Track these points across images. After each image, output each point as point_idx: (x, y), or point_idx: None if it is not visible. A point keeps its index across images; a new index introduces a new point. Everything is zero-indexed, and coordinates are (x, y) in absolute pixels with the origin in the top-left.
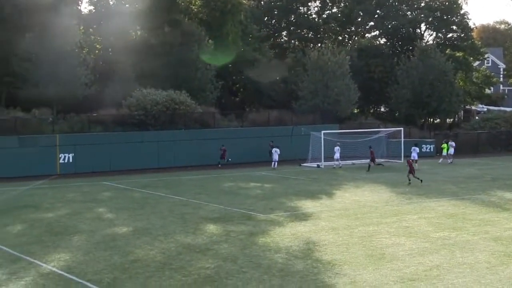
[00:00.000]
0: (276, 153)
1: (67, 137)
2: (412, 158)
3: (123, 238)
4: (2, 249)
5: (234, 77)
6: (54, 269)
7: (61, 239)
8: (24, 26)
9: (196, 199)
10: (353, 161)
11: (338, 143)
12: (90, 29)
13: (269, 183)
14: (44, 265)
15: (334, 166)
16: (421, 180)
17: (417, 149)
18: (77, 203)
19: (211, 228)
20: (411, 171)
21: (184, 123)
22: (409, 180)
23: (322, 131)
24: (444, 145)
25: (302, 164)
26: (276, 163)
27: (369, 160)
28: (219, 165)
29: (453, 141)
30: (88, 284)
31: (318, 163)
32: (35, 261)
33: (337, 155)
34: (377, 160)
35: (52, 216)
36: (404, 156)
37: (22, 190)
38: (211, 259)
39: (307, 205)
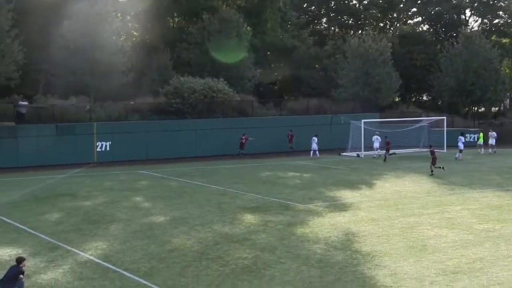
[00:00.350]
0: (314, 142)
1: (104, 125)
2: (459, 148)
3: (160, 227)
4: (40, 237)
5: (272, 65)
6: (91, 257)
7: (98, 228)
8: (61, 13)
9: (234, 188)
10: (395, 151)
11: (377, 133)
12: (128, 16)
13: (308, 173)
14: (81, 253)
15: (374, 155)
16: (443, 168)
17: (463, 139)
18: (114, 191)
19: (249, 218)
20: (433, 161)
21: (222, 111)
22: (432, 171)
23: (362, 120)
24: (481, 134)
25: (341, 154)
26: (316, 152)
27: (385, 151)
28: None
29: (494, 130)
30: (125, 273)
31: (358, 153)
32: (72, 249)
33: (376, 145)
34: (392, 150)
35: (89, 205)
36: (446, 146)
37: (60, 178)
38: (248, 249)
39: (347, 195)
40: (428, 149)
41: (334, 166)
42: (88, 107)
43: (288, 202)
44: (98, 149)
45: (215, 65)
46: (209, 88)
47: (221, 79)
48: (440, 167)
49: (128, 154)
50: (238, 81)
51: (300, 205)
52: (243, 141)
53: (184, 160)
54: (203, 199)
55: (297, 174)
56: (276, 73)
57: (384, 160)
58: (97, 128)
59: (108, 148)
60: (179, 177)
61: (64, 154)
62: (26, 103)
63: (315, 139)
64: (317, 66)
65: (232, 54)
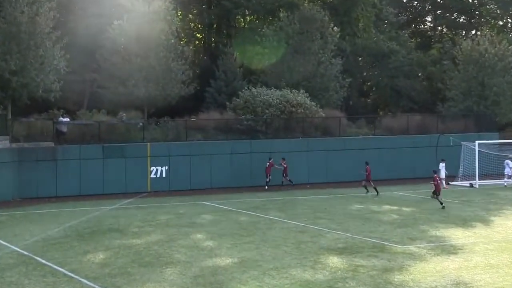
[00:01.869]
0: (443, 168)
1: (160, 146)
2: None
3: (226, 271)
4: (82, 282)
5: (365, 73)
6: None
7: (152, 271)
8: (111, 12)
9: (316, 224)
10: None
11: (511, 156)
12: (190, 15)
13: (408, 206)
14: None
15: (505, 184)
16: (442, 204)
17: None
18: (171, 227)
19: (335, 261)
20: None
21: (302, 130)
22: (441, 203)
23: (477, 142)
24: None
25: (450, 183)
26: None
27: (364, 179)
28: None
29: None
30: None
31: (471, 182)
32: None
33: (507, 171)
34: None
35: (141, 243)
36: None
37: (106, 210)
38: None
39: (457, 235)
40: None
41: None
42: (141, 124)
43: (384, 243)
44: (153, 175)
45: (294, 74)
46: (287, 101)
47: (301, 91)
48: (440, 202)
49: (188, 181)
50: (322, 93)
51: (398, 246)
52: (269, 167)
53: (257, 189)
54: (279, 238)
55: (395, 207)
56: (369, 83)
57: (367, 191)
58: (151, 150)
59: (164, 174)
60: (250, 210)
61: (112, 180)
62: (67, 119)
63: (443, 165)
64: (420, 74)
65: (315, 60)
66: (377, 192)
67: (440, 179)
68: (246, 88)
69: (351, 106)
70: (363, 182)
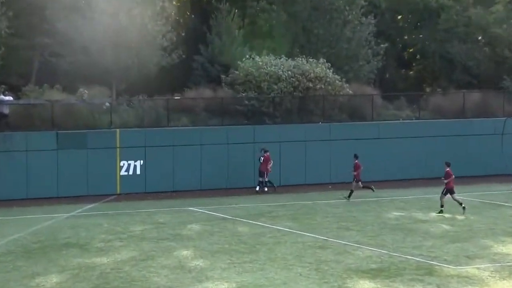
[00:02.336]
0: None
1: (134, 133)
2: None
3: None
4: None
5: (406, 37)
6: None
7: None
8: None
9: (341, 238)
10: None
11: None
12: None
13: (464, 213)
14: None
15: None
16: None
17: None
18: (148, 241)
19: (366, 287)
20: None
21: (323, 112)
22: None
23: None
24: None
25: None
26: None
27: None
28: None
29: None
30: None
31: None
32: None
33: None
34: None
35: (108, 263)
36: None
37: (62, 218)
38: None
39: None
40: None
41: (508, 203)
42: (107, 104)
43: (432, 262)
44: (123, 172)
45: (311, 37)
46: (302, 74)
47: (321, 60)
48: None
49: (170, 180)
50: (349, 64)
51: (451, 267)
52: (263, 164)
53: (262, 191)
54: (291, 256)
55: (446, 215)
56: (411, 50)
57: (349, 196)
58: (121, 139)
59: (138, 171)
60: (252, 218)
61: (69, 179)
62: (10, 98)
63: None
64: (479, 38)
65: (340, 19)
66: (350, 195)
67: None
68: (247, 56)
69: (388, 80)
70: (360, 184)
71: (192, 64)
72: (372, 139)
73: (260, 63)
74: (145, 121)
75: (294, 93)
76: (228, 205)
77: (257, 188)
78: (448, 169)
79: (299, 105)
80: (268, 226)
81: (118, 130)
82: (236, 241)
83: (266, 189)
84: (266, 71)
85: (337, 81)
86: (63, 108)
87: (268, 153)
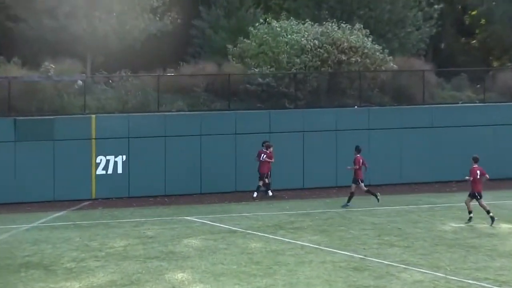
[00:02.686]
0: None
1: (114, 120)
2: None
3: None
4: None
5: None
6: None
7: None
8: None
9: (383, 256)
10: None
11: None
12: None
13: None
14: None
15: None
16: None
17: None
18: (132, 260)
19: None
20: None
21: (359, 93)
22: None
23: None
24: None
25: None
26: None
27: (355, 179)
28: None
29: None
30: None
31: None
32: None
33: None
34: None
35: (81, 286)
36: None
37: (21, 230)
38: None
39: None
40: None
41: None
42: (80, 83)
43: None
44: (100, 171)
45: None
46: (332, 43)
47: (357, 26)
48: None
49: (161, 182)
50: (394, 31)
51: None
52: (263, 160)
53: (280, 194)
54: (318, 279)
55: None
56: (473, 13)
57: (348, 202)
58: (98, 128)
59: (120, 169)
60: (269, 231)
61: (31, 180)
62: None
63: None
64: None
65: None
66: (349, 200)
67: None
68: (261, 21)
69: (444, 52)
70: (363, 186)
71: (190, 31)
72: (422, 128)
73: (278, 29)
74: (129, 105)
75: (322, 69)
76: (236, 214)
77: (255, 195)
78: (475, 165)
79: (329, 84)
80: (288, 241)
81: (93, 116)
82: (246, 261)
83: (270, 193)
84: (286, 40)
85: (377, 53)
86: (23, 88)
87: (271, 149)
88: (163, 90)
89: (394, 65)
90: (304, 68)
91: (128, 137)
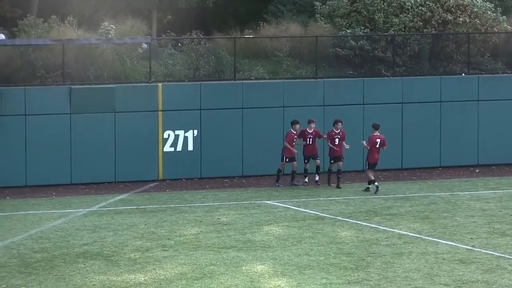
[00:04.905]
0: None
1: (182, 90)
2: None
3: None
4: None
5: None
6: None
7: None
8: None
9: (495, 247)
10: None
11: None
12: None
13: None
14: None
15: None
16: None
17: None
18: (205, 250)
19: None
20: None
21: (468, 59)
22: None
23: None
24: None
25: None
26: None
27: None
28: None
29: None
30: None
31: None
32: None
33: None
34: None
35: (146, 281)
36: None
37: (78, 216)
38: None
39: None
40: None
41: None
42: (145, 46)
43: None
44: (168, 148)
45: None
46: (437, 0)
47: None
48: None
49: (238, 161)
50: None
51: None
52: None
53: (378, 175)
54: (419, 273)
55: None
56: None
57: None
58: (165, 98)
59: (190, 146)
60: (362, 218)
61: (89, 159)
62: (1, 36)
63: None
64: None
65: None
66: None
67: None
68: None
69: None
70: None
71: None
72: None
73: None
74: (201, 72)
75: (425, 30)
76: (324, 198)
77: (306, 180)
78: (375, 133)
79: (432, 48)
80: (384, 230)
81: (160, 84)
82: (336, 252)
83: (306, 179)
84: None
85: (489, 12)
86: (79, 52)
87: (314, 126)
88: (240, 55)
89: (508, 26)
90: (403, 30)
91: (200, 109)
